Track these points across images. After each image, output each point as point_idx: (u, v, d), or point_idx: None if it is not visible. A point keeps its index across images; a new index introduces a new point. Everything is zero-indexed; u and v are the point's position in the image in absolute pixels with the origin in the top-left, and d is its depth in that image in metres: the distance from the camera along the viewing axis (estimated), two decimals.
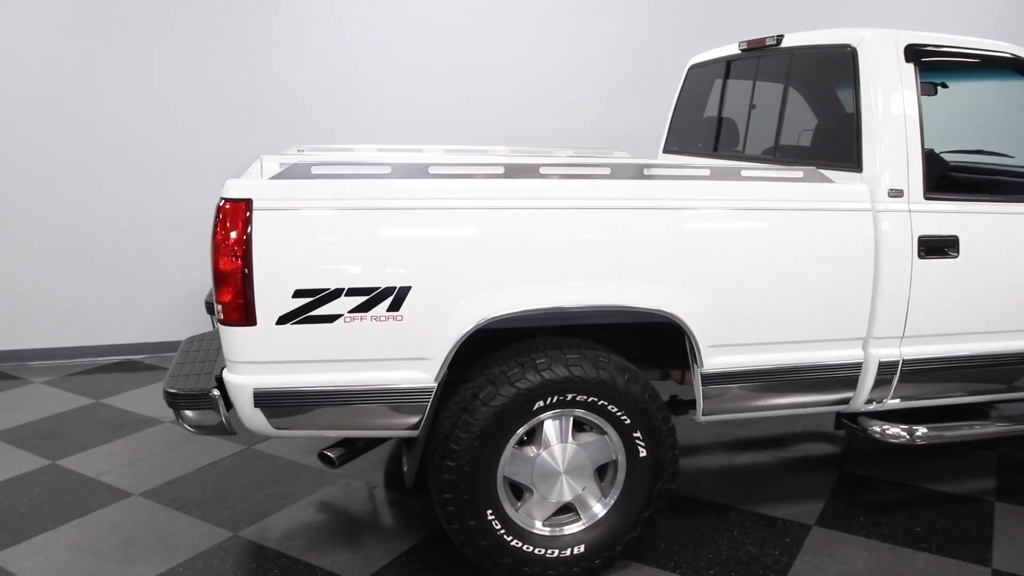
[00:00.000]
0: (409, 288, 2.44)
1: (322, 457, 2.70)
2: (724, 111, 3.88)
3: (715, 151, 3.92)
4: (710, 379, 2.77)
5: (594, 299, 2.59)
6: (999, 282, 3.02)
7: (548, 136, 5.58)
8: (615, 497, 2.80)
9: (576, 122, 5.73)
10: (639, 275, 2.62)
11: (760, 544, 3.09)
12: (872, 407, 3.06)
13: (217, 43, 5.25)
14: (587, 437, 2.75)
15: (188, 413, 2.52)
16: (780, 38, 3.43)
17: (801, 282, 2.79)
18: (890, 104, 2.91)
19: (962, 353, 3.05)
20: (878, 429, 3.12)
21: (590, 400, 2.68)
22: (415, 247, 2.45)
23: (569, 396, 2.65)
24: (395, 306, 2.44)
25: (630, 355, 2.92)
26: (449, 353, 2.50)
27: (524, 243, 2.52)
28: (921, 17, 5.98)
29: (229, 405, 2.50)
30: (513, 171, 2.59)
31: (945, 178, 3.92)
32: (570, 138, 5.52)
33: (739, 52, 3.72)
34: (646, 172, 2.69)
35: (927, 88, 3.74)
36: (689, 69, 4.20)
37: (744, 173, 2.77)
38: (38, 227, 5.15)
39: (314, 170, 2.45)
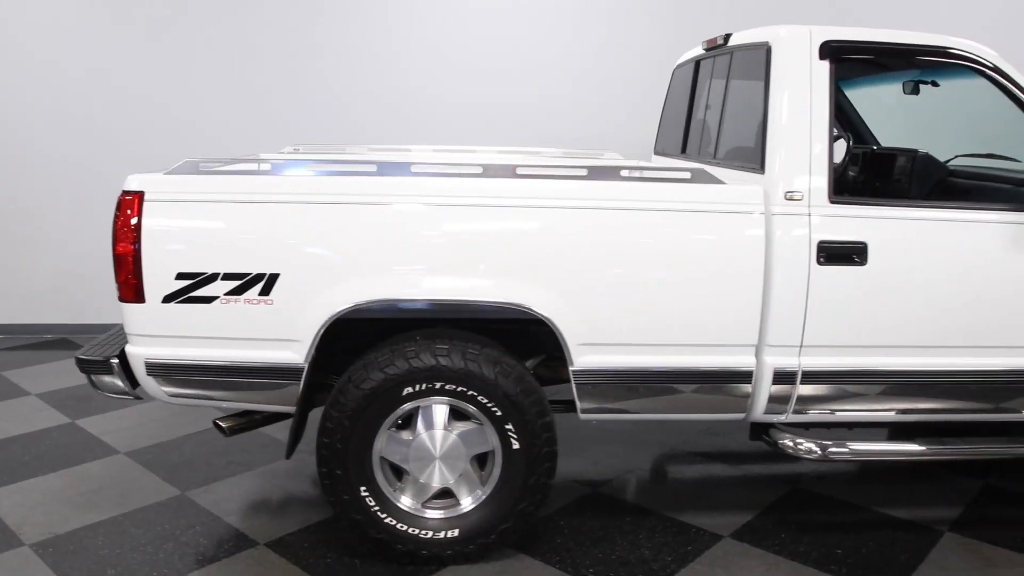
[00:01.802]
0: (278, 275, 2.67)
1: (216, 425, 2.98)
2: (693, 112, 3.82)
3: (683, 152, 3.87)
4: (583, 377, 2.80)
5: (457, 293, 2.70)
6: (915, 293, 2.82)
7: (575, 138, 5.63)
8: (491, 487, 2.89)
9: (597, 126, 5.74)
10: (505, 272, 2.71)
11: (657, 549, 3.06)
12: (781, 419, 2.95)
13: (244, 40, 5.72)
14: (463, 426, 2.86)
15: (98, 378, 2.87)
16: (727, 37, 3.36)
17: (681, 284, 2.75)
18: (797, 103, 2.80)
19: (876, 367, 2.87)
20: (790, 443, 3.00)
21: (459, 390, 2.78)
22: (283, 238, 2.67)
23: (437, 384, 2.77)
24: (266, 291, 2.67)
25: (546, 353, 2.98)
26: (316, 336, 2.70)
27: (386, 237, 2.68)
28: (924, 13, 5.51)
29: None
30: (385, 168, 2.76)
31: (941, 183, 3.68)
32: (595, 141, 5.54)
33: (703, 52, 3.66)
34: (519, 171, 2.76)
35: (909, 87, 3.55)
36: (675, 69, 4.15)
37: (623, 173, 2.77)
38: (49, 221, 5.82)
39: (201, 167, 2.74)
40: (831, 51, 2.84)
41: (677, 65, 4.12)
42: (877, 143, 4.30)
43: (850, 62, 3.60)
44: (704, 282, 2.76)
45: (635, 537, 3.15)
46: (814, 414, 2.94)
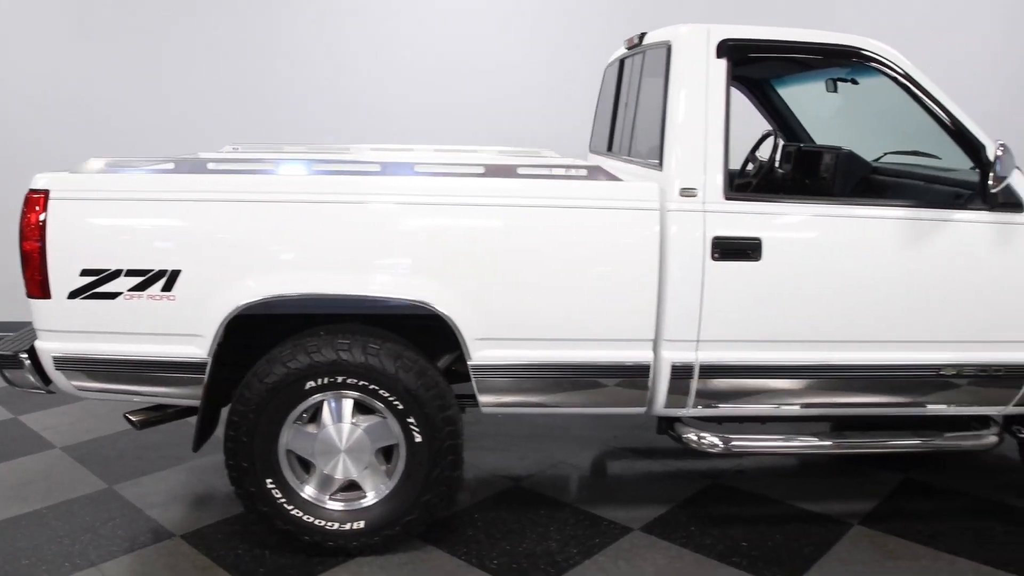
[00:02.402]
0: (179, 272, 2.72)
1: (126, 419, 3.03)
2: (618, 110, 3.86)
3: (609, 150, 3.91)
4: (482, 371, 2.84)
5: (352, 289, 2.75)
6: (810, 289, 2.86)
7: (534, 137, 5.67)
8: (396, 480, 2.94)
9: (555, 126, 5.77)
10: (400, 268, 2.76)
11: (565, 541, 3.10)
12: (683, 413, 3.00)
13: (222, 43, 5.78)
14: (367, 419, 2.90)
15: (11, 373, 2.93)
16: (642, 36, 3.40)
17: (576, 280, 2.80)
18: (693, 101, 2.84)
19: (774, 362, 2.91)
20: (694, 437, 3.04)
21: (361, 384, 2.83)
22: (184, 235, 2.73)
23: (339, 379, 2.82)
24: (168, 287, 2.73)
25: None
26: (217, 331, 2.76)
27: (283, 235, 2.73)
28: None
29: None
30: (284, 167, 2.81)
31: (864, 180, 3.71)
32: (554, 140, 5.57)
33: (625, 50, 3.70)
34: (416, 169, 2.81)
35: (830, 85, 3.58)
36: (605, 68, 4.19)
37: (520, 171, 2.82)
38: None
39: (106, 165, 2.79)
40: (728, 50, 2.88)
41: (607, 64, 4.16)
42: (811, 140, 4.33)
43: (769, 61, 3.66)
44: (600, 278, 2.80)
45: (546, 530, 3.19)
46: (716, 408, 2.98)
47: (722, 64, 2.87)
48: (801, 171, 3.98)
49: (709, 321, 2.84)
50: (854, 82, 3.64)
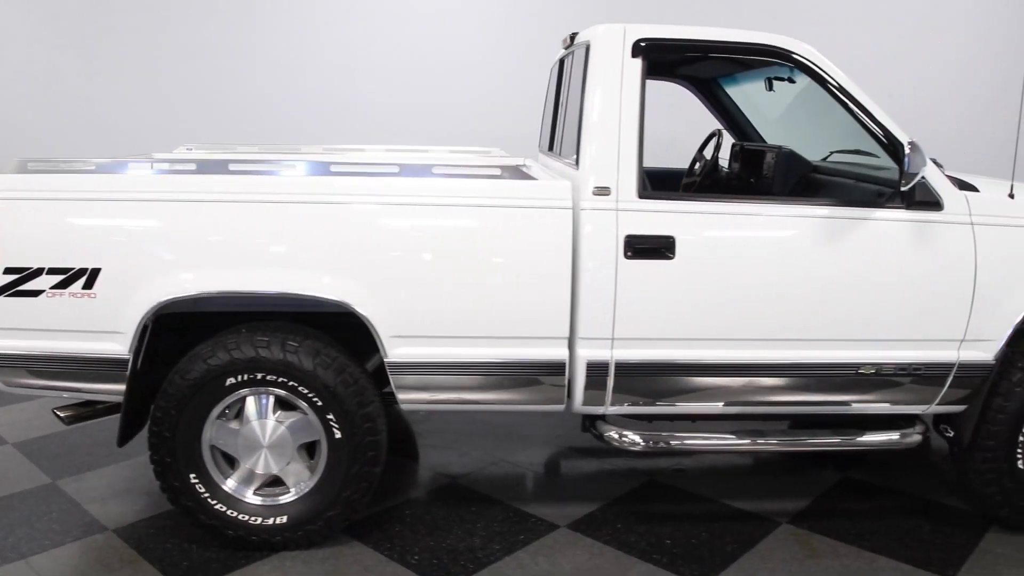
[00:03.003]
0: (100, 270, 2.77)
1: (55, 415, 3.08)
2: (556, 109, 3.88)
3: (550, 149, 3.93)
4: (398, 369, 2.88)
5: (267, 286, 2.79)
6: (724, 287, 2.87)
7: (508, 136, 5.69)
8: (318, 475, 2.97)
9: (522, 125, 5.79)
10: (314, 266, 2.79)
11: (490, 538, 3.13)
12: (601, 411, 3.01)
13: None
14: (289, 415, 2.94)
15: None
16: (574, 35, 3.42)
17: (491, 279, 2.82)
18: (608, 100, 2.87)
19: (691, 360, 2.92)
20: (615, 435, 3.06)
21: (280, 380, 2.87)
22: (103, 234, 2.78)
23: (259, 375, 2.87)
24: (88, 285, 2.78)
25: None
26: (137, 328, 2.81)
27: (202, 234, 2.78)
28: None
29: None
30: (205, 167, 2.86)
31: (804, 179, 3.71)
32: (518, 139, 5.60)
33: (563, 50, 3.72)
34: (333, 168, 2.85)
35: (767, 84, 3.59)
36: (551, 68, 4.21)
37: (435, 170, 2.85)
38: None
39: (30, 166, 2.85)
40: (643, 49, 2.90)
41: (552, 64, 4.18)
42: (762, 139, 4.33)
43: (710, 61, 3.68)
44: (514, 276, 2.83)
45: (473, 526, 3.22)
46: (634, 406, 2.99)
47: (637, 64, 2.89)
48: (746, 170, 3.99)
49: (623, 319, 2.85)
50: (791, 80, 3.64)
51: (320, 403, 2.88)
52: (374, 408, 2.94)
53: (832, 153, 3.91)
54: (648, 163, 4.35)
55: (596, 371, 2.90)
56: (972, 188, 3.08)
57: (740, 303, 2.88)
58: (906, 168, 2.73)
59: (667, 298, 2.86)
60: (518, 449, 3.99)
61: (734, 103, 4.28)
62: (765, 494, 3.53)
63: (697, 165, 4.14)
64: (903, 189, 2.78)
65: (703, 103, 4.32)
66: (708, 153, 4.06)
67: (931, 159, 3.25)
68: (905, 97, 6.05)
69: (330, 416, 2.90)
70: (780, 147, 3.78)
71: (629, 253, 2.81)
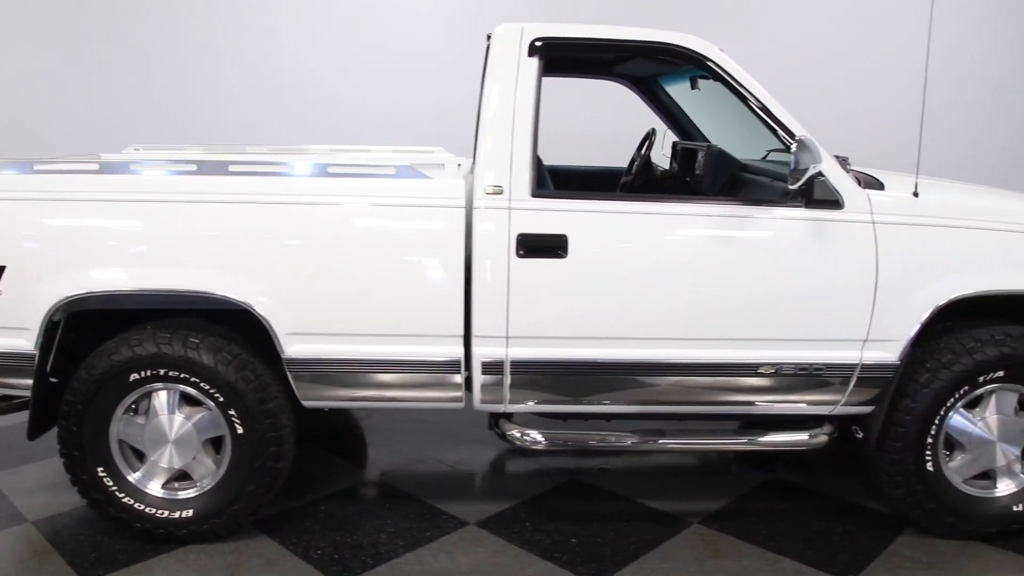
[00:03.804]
0: (4, 267, 2.84)
1: None
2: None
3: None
4: (296, 366, 2.91)
5: (166, 284, 2.84)
6: (618, 285, 2.87)
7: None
8: (223, 470, 3.02)
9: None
10: (214, 264, 2.84)
11: (396, 534, 3.15)
12: (501, 408, 3.02)
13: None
14: (194, 411, 3.00)
15: None
16: (490, 35, 3.43)
17: (386, 277, 2.85)
18: (503, 99, 2.88)
19: (586, 358, 2.91)
20: (516, 434, 3.08)
21: (182, 376, 2.93)
22: (7, 233, 2.85)
23: (161, 371, 2.92)
24: None
25: None
26: (42, 325, 2.87)
27: (105, 232, 2.84)
28: None
29: None
30: (107, 167, 2.92)
31: (732, 177, 3.69)
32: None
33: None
34: (231, 168, 2.89)
35: (693, 83, 3.58)
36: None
37: (331, 170, 2.88)
38: None
39: None
40: (540, 49, 2.91)
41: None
42: (705, 138, 4.31)
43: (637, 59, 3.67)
44: (409, 275, 2.85)
45: (383, 522, 3.24)
46: (533, 404, 3.00)
47: (533, 63, 2.90)
48: (682, 169, 3.97)
49: (517, 317, 2.86)
50: (704, 77, 3.62)
51: (222, 399, 2.93)
52: (276, 404, 2.98)
53: (769, 152, 3.88)
54: (603, 162, 4.40)
55: (492, 369, 2.91)
56: (880, 186, 3.04)
57: (634, 302, 2.88)
58: (792, 166, 2.71)
59: (561, 297, 2.86)
60: (449, 447, 4.01)
61: (674, 102, 4.25)
62: (685, 494, 3.52)
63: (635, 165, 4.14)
64: (791, 187, 2.75)
65: (644, 102, 4.30)
66: (648, 153, 4.05)
67: (837, 156, 3.22)
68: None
69: (232, 412, 2.94)
70: (709, 146, 3.76)
71: (521, 252, 2.82)
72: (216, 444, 3.05)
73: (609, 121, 5.11)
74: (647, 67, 3.91)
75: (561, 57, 3.54)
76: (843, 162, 3.30)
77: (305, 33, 6.02)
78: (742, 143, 3.82)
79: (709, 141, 4.31)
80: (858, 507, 3.41)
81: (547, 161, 4.52)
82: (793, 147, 2.71)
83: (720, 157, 3.66)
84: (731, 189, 3.64)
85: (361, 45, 6.01)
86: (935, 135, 6.09)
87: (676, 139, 4.29)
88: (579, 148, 4.68)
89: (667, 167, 4.21)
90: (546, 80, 4.51)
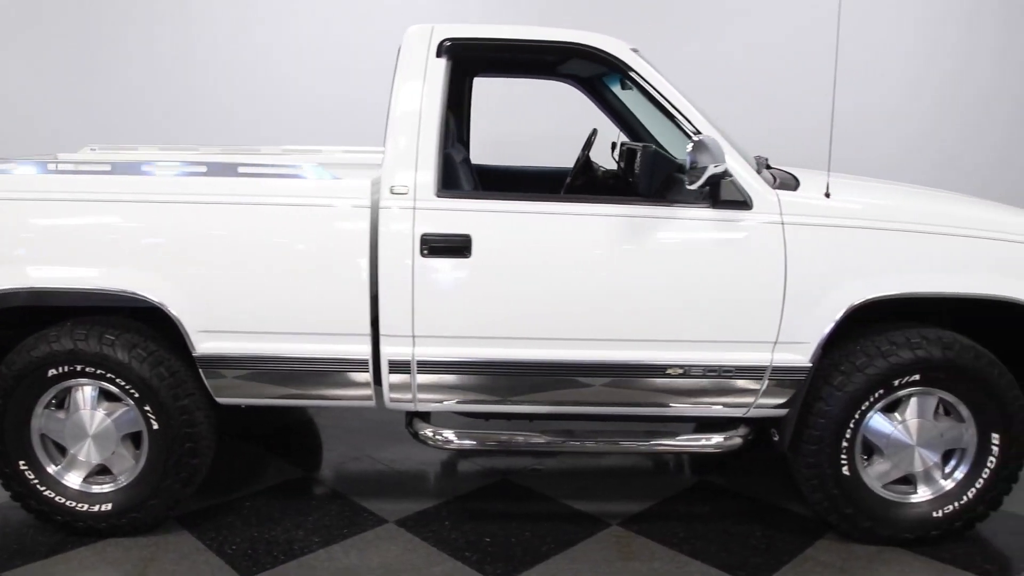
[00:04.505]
0: None
1: None
2: None
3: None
4: (207, 363, 2.95)
5: (77, 283, 2.89)
6: (522, 285, 2.87)
7: None
8: (141, 465, 3.07)
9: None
10: (125, 263, 2.89)
11: (314, 531, 3.18)
12: (411, 407, 3.04)
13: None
14: (114, 406, 3.05)
15: None
16: None
17: (294, 276, 2.88)
18: (409, 100, 2.90)
19: (493, 358, 2.92)
20: (429, 433, 3.09)
21: (99, 372, 2.98)
22: None
23: (79, 367, 2.98)
24: None
25: None
26: None
27: (20, 231, 2.90)
28: None
29: None
30: (18, 166, 2.98)
31: (669, 177, 3.67)
32: None
33: None
34: (144, 168, 2.94)
35: (624, 83, 3.57)
36: None
37: (240, 170, 2.92)
38: None
39: None
40: (448, 49, 2.92)
41: None
42: (654, 140, 4.28)
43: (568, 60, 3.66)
44: (316, 274, 2.88)
45: (304, 519, 3.27)
46: (444, 403, 3.01)
47: (441, 63, 2.92)
48: (626, 170, 3.96)
49: (423, 317, 2.88)
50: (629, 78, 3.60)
51: (137, 395, 2.98)
52: (191, 401, 3.02)
53: None
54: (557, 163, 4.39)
55: (399, 368, 2.93)
56: (796, 186, 3.02)
57: (539, 302, 2.88)
58: (688, 165, 2.69)
59: (465, 296, 2.87)
60: (389, 445, 4.03)
61: (621, 102, 4.23)
62: (612, 496, 3.50)
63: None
64: (689, 187, 2.74)
65: (592, 102, 4.29)
66: (586, 153, 4.04)
67: (757, 157, 3.20)
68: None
69: (147, 408, 2.99)
70: (645, 146, 3.74)
71: (425, 251, 2.84)
72: (136, 440, 3.10)
73: (578, 121, 5.11)
74: (586, 67, 3.90)
75: (483, 58, 3.55)
76: (762, 162, 3.28)
77: (290, 32, 6.05)
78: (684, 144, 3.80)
79: (656, 141, 4.30)
80: (784, 511, 3.38)
81: (510, 162, 4.55)
82: (688, 147, 2.69)
83: (655, 157, 3.63)
84: (667, 189, 3.62)
85: (350, 46, 6.04)
86: (915, 139, 6.08)
87: (624, 140, 4.27)
88: (549, 149, 4.68)
89: (614, 167, 4.19)
90: (512, 81, 4.58)
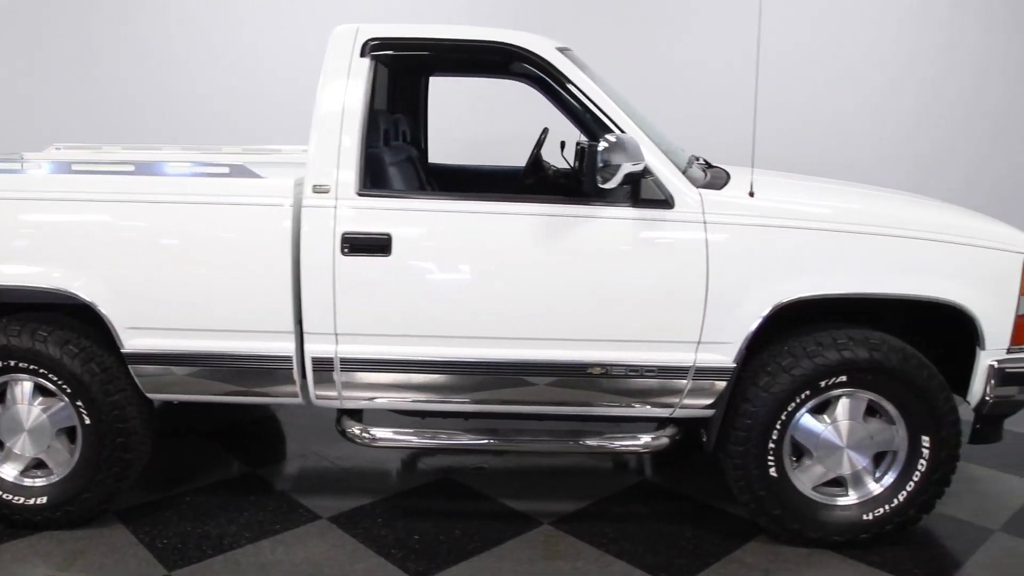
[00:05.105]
0: None
1: None
2: None
3: None
4: (136, 359, 2.99)
5: (14, 280, 2.94)
6: (442, 284, 2.88)
7: None
8: (75, 459, 3.12)
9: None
10: (54, 261, 2.93)
11: (247, 526, 3.21)
12: (336, 404, 3.06)
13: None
14: (48, 401, 3.10)
15: None
16: None
17: (218, 274, 2.91)
18: (332, 99, 2.92)
19: (414, 357, 2.93)
20: (357, 431, 3.11)
21: (32, 368, 3.03)
22: None
23: (12, 362, 3.03)
24: None
25: None
26: None
27: None
28: None
29: None
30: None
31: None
32: None
33: None
34: (74, 168, 2.99)
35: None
36: None
37: (168, 168, 2.95)
38: None
39: None
40: (372, 49, 2.94)
41: None
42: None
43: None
44: (240, 272, 2.91)
45: (239, 514, 3.30)
46: (373, 401, 3.03)
47: (365, 63, 2.93)
48: (576, 168, 3.95)
49: (345, 315, 2.89)
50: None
51: (70, 390, 3.03)
52: (123, 397, 3.06)
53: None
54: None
55: (322, 365, 2.95)
56: (723, 185, 3.00)
57: (459, 301, 2.89)
58: (600, 164, 2.68)
59: (386, 295, 2.89)
60: (338, 443, 3.93)
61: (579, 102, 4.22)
62: (551, 495, 3.50)
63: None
64: (601, 186, 2.73)
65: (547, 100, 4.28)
66: (537, 151, 4.04)
67: (700, 159, 3.19)
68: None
69: (79, 403, 3.04)
70: (591, 144, 3.73)
71: (346, 250, 2.85)
72: (72, 434, 3.14)
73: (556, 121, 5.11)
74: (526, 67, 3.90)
75: (414, 58, 3.54)
76: (692, 161, 3.26)
77: (278, 31, 6.08)
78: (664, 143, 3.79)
79: None
80: (721, 512, 3.35)
81: (479, 161, 4.56)
82: (601, 146, 2.68)
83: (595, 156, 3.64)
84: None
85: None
86: (895, 142, 6.00)
87: (578, 139, 4.26)
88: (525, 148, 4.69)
89: (570, 166, 4.18)
90: (480, 80, 4.58)
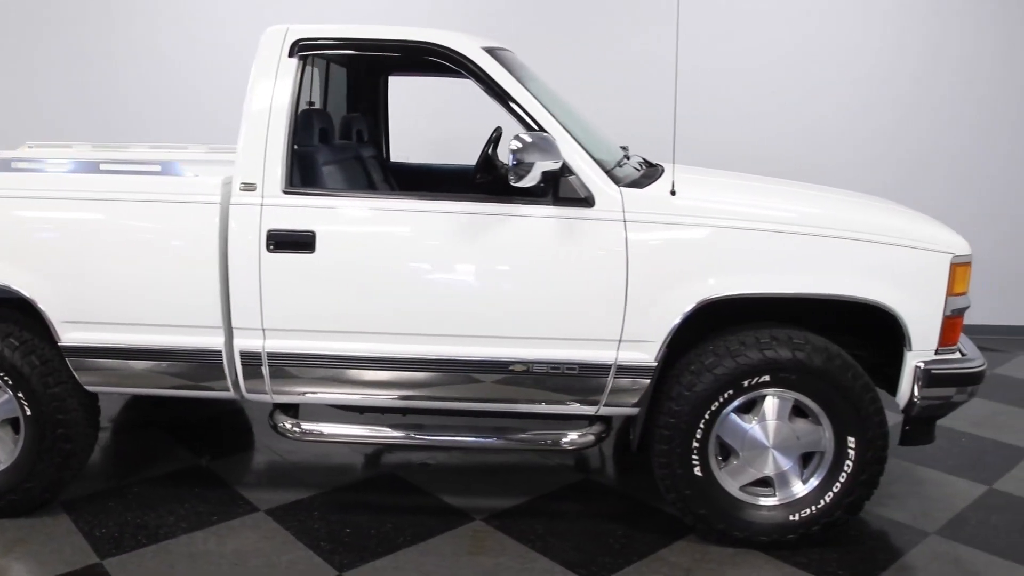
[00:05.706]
0: None
1: None
2: None
3: None
4: (72, 353, 3.06)
5: None
6: (364, 281, 2.91)
7: None
8: (19, 449, 3.20)
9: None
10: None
11: (185, 517, 3.27)
12: (267, 399, 3.11)
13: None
14: None
15: None
16: None
17: (148, 269, 2.98)
18: (260, 98, 2.97)
19: (340, 352, 2.97)
20: (288, 425, 3.16)
21: None
22: None
23: None
24: None
25: None
26: None
27: None
28: None
29: None
30: None
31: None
32: None
33: None
34: (13, 165, 3.07)
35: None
36: None
37: (102, 167, 3.03)
38: None
39: None
40: (300, 49, 2.98)
41: None
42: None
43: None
44: (171, 267, 2.97)
45: (179, 506, 3.36)
46: (301, 396, 3.08)
47: (293, 63, 2.98)
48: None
49: (271, 310, 2.94)
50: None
51: (11, 382, 3.11)
52: (63, 389, 3.14)
53: (626, 151, 3.84)
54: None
55: (251, 360, 3.00)
56: (647, 183, 3.00)
57: (382, 297, 2.92)
58: (512, 163, 2.70)
59: (310, 291, 2.93)
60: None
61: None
62: (489, 492, 3.53)
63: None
64: (513, 184, 2.75)
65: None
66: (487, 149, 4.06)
67: (637, 157, 3.18)
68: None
69: (21, 395, 3.12)
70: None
71: (272, 246, 2.90)
72: (16, 425, 3.23)
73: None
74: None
75: (339, 57, 3.55)
76: (627, 159, 3.26)
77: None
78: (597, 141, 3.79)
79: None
80: (657, 511, 3.35)
81: (457, 161, 4.58)
82: (514, 145, 2.70)
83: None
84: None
85: None
86: (881, 141, 5.93)
87: None
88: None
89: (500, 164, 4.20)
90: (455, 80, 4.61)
